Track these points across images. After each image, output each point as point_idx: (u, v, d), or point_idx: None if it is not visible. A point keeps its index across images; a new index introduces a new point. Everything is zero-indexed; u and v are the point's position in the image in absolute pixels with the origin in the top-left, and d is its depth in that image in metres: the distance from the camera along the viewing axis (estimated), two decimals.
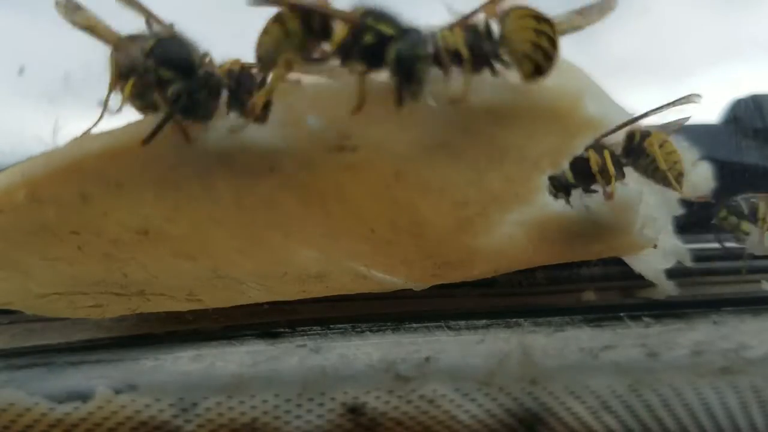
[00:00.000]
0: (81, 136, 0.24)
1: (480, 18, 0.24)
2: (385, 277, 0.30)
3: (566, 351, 0.32)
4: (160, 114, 0.23)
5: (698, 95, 0.35)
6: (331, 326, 0.32)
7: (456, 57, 0.23)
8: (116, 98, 0.25)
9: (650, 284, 0.36)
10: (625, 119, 0.33)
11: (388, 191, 0.24)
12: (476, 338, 0.32)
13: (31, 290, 0.29)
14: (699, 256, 0.38)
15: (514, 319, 0.33)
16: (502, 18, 0.24)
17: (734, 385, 0.33)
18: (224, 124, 0.23)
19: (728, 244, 0.39)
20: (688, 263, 0.37)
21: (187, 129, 0.23)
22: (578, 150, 0.26)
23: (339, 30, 0.24)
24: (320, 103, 0.22)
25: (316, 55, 0.24)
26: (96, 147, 0.23)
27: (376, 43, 0.23)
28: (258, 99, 0.23)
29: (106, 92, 0.25)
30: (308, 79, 0.24)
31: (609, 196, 0.31)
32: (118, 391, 0.30)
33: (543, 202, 0.28)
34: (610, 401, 0.32)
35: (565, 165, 0.27)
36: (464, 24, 0.24)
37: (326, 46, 0.24)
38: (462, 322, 0.33)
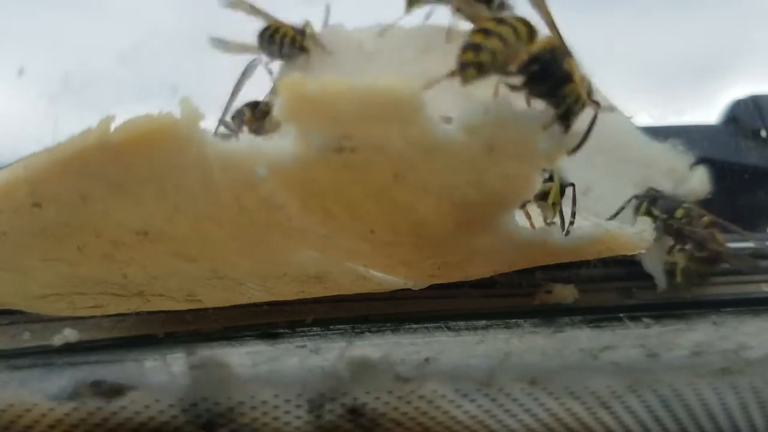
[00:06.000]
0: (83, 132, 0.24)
1: None
2: (384, 278, 0.30)
3: (566, 351, 0.32)
4: None
5: None
6: (331, 327, 0.32)
7: None
8: None
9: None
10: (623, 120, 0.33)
11: (388, 192, 0.24)
12: (476, 339, 0.32)
13: (31, 290, 0.29)
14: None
15: (514, 320, 0.33)
16: None
17: (734, 385, 0.33)
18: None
19: None
20: None
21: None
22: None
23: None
24: (320, 103, 0.22)
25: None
26: (95, 145, 0.23)
27: None
28: None
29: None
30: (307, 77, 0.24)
31: None
32: (118, 392, 0.30)
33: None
34: (609, 402, 0.32)
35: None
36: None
37: None
38: (462, 323, 0.33)
